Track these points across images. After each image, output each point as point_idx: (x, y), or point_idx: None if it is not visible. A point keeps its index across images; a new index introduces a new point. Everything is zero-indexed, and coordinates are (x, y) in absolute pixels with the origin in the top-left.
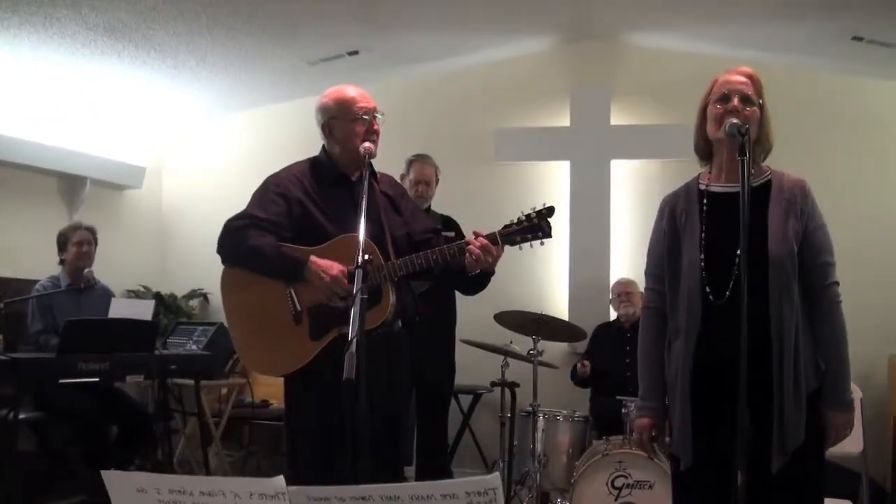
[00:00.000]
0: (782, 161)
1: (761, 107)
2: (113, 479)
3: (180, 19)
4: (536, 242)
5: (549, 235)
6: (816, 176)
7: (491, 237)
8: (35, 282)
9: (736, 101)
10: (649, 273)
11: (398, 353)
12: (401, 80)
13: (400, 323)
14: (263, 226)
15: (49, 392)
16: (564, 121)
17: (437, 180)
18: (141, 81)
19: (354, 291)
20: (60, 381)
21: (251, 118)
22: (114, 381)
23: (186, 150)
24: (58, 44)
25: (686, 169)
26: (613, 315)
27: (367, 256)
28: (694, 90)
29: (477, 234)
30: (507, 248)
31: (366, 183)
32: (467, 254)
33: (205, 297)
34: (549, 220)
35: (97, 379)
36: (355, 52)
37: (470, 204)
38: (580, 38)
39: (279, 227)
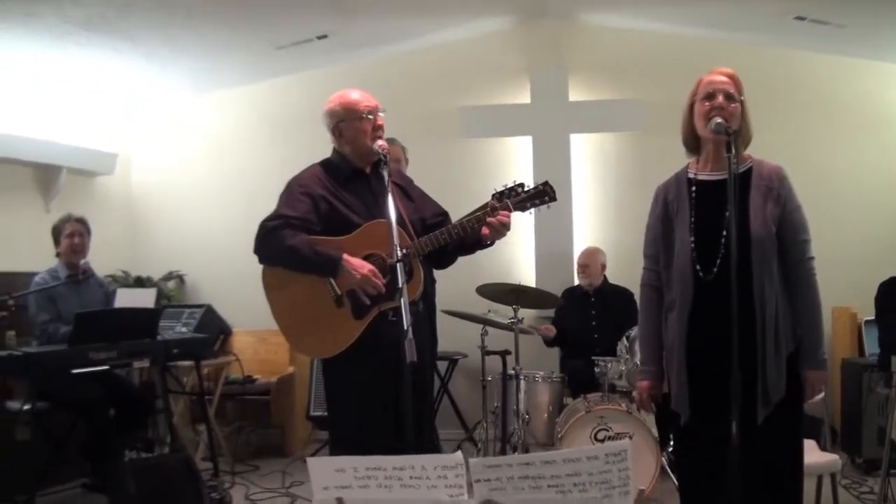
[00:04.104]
0: None
1: (742, 103)
2: (314, 464)
3: (158, 12)
4: (544, 207)
5: (555, 199)
6: (762, 141)
7: (503, 206)
8: (25, 274)
9: (721, 98)
10: (647, 255)
11: (423, 333)
12: (366, 63)
13: (422, 305)
14: (295, 224)
15: (57, 382)
16: (525, 98)
17: (407, 160)
18: (113, 70)
19: (399, 284)
20: (73, 371)
21: (219, 101)
22: (122, 367)
23: (155, 134)
24: (36, 36)
25: (639, 141)
26: (578, 280)
27: (404, 250)
28: (645, 66)
29: (492, 206)
30: None
31: (386, 175)
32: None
33: (181, 278)
34: (552, 186)
35: (107, 367)
36: (324, 37)
37: (438, 180)
38: (536, 17)
39: (309, 222)
